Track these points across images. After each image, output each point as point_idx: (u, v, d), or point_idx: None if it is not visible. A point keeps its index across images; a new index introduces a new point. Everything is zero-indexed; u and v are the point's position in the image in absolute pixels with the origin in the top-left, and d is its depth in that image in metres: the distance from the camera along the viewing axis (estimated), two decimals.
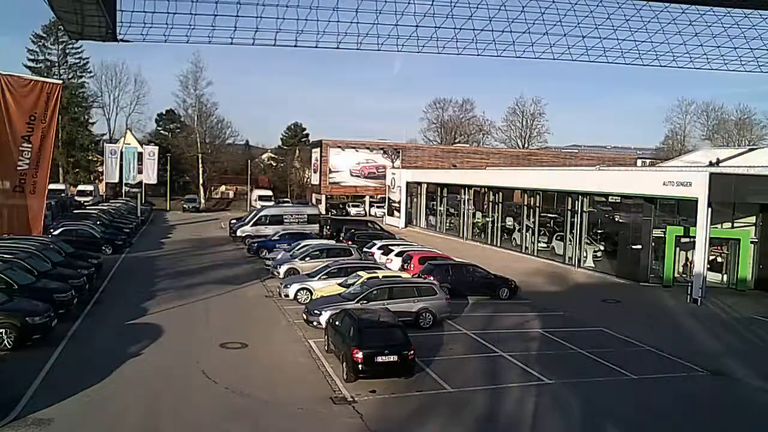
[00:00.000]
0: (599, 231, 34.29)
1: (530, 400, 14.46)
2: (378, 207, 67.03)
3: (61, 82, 16.23)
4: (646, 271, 29.61)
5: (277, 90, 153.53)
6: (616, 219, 32.51)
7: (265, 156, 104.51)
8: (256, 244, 35.09)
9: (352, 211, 66.70)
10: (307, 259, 27.62)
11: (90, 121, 76.91)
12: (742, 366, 17.61)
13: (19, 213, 14.47)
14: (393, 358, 14.76)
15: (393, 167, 65.55)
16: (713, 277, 28.47)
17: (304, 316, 19.76)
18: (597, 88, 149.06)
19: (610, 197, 33.30)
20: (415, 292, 20.31)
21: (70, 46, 69.50)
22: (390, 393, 14.41)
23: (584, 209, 34.43)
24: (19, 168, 13.81)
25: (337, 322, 16.60)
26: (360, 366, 14.57)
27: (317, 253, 28.06)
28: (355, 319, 15.69)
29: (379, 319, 16.17)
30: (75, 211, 45.73)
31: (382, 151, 70.77)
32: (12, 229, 16.87)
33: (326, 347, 17.16)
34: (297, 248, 29.37)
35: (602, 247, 33.41)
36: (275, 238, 35.29)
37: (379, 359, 14.67)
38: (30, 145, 13.74)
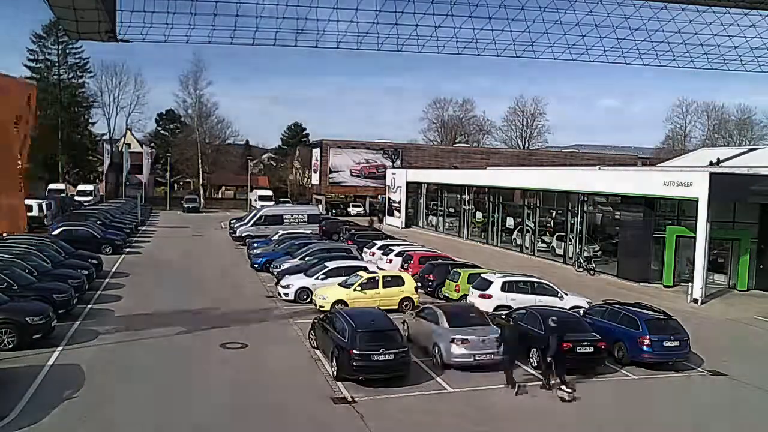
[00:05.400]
0: (599, 231, 34.30)
1: (532, 401, 14.48)
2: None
3: (35, 83, 16.49)
4: (646, 271, 29.60)
5: (277, 90, 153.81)
6: (617, 219, 32.49)
7: (265, 156, 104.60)
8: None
9: (353, 211, 66.68)
10: None
11: (90, 121, 77.00)
12: (743, 366, 17.60)
13: (21, 211, 14.61)
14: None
15: (393, 167, 65.56)
16: (713, 276, 28.50)
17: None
18: (597, 88, 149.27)
19: (610, 197, 33.30)
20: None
21: (70, 46, 69.49)
22: (390, 393, 14.41)
23: (584, 209, 34.45)
24: (18, 167, 13.96)
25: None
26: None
27: None
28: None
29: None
30: (75, 211, 45.77)
31: (382, 151, 70.77)
32: (12, 229, 17.02)
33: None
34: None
35: (603, 247, 33.47)
36: (274, 237, 35.03)
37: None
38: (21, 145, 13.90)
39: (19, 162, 13.84)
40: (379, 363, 14.62)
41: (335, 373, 14.98)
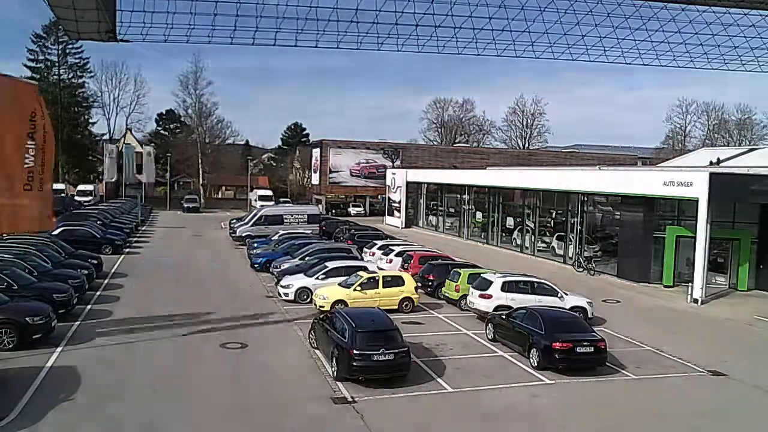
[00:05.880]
0: (599, 231, 34.31)
1: (531, 401, 14.48)
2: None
3: (36, 83, 16.68)
4: (646, 271, 29.59)
5: (278, 90, 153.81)
6: (617, 219, 32.49)
7: (265, 156, 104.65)
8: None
9: (353, 211, 66.73)
10: None
11: (90, 121, 77.06)
12: (742, 366, 17.59)
13: (28, 211, 14.67)
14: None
15: (393, 167, 65.57)
16: (713, 277, 28.46)
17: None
18: (597, 87, 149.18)
19: (610, 197, 33.30)
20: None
21: (70, 46, 69.62)
22: (390, 393, 14.41)
23: (584, 209, 34.45)
24: (26, 165, 14.05)
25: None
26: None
27: None
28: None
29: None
30: (75, 211, 45.76)
31: (382, 151, 70.77)
32: (23, 228, 17.11)
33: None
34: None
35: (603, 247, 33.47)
36: (274, 237, 34.99)
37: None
38: (34, 143, 14.00)
39: (27, 161, 13.97)
40: (379, 363, 14.62)
41: (335, 373, 14.98)
